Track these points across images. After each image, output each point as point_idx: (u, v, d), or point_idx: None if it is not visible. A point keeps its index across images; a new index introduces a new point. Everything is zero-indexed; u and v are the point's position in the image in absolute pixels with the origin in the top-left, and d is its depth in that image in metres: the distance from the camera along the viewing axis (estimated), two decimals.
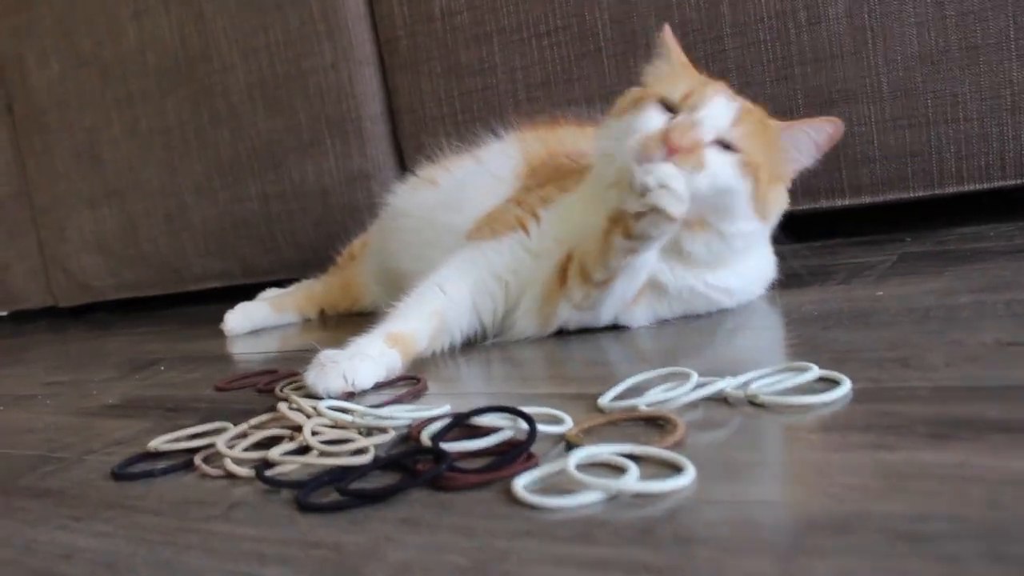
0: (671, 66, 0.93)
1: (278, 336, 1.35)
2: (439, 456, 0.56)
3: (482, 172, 1.10)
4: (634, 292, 0.89)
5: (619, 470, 0.51)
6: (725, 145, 0.84)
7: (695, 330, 0.87)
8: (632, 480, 0.49)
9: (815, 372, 0.62)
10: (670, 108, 0.86)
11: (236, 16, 1.70)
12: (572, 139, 1.08)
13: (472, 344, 0.95)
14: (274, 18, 1.65)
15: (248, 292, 1.60)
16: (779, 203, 0.89)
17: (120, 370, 1.23)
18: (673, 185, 0.78)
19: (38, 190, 2.18)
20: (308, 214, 1.70)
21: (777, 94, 1.24)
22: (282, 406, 0.72)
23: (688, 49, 1.27)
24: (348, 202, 1.64)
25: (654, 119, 0.85)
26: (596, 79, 1.36)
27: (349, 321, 1.36)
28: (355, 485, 0.56)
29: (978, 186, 1.17)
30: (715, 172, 0.82)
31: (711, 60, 1.26)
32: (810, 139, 0.87)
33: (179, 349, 1.36)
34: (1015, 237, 1.05)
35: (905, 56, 1.16)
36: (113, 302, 2.18)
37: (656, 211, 0.78)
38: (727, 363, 0.72)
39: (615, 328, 0.92)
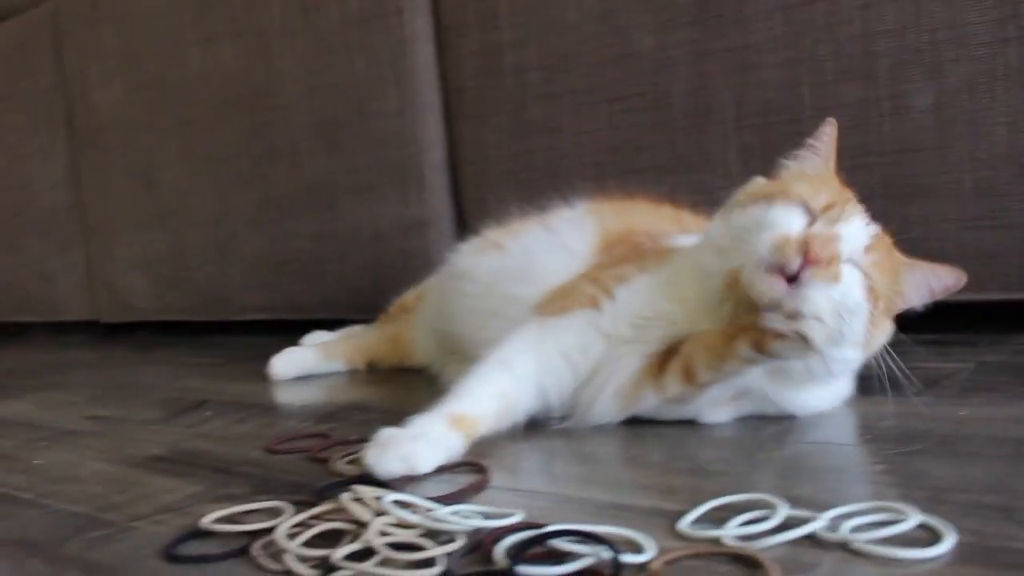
0: (818, 169, 0.90)
1: (325, 385, 1.33)
2: None
3: (553, 242, 1.06)
4: (726, 395, 0.87)
5: None
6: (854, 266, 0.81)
7: (774, 439, 0.83)
8: None
9: (915, 519, 0.59)
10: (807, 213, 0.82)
11: (302, 54, 1.70)
12: (648, 217, 1.05)
13: (535, 426, 0.91)
14: (341, 59, 1.64)
15: (292, 327, 1.58)
16: (883, 336, 0.86)
17: (164, 410, 1.22)
18: (826, 319, 0.75)
19: (91, 205, 2.19)
20: (359, 257, 1.68)
21: (853, 181, 1.21)
22: (345, 498, 0.70)
23: (765, 129, 1.25)
24: (402, 249, 1.62)
25: (795, 220, 0.81)
26: (665, 150, 1.34)
27: (397, 375, 1.34)
28: None
29: None
30: (848, 290, 0.79)
31: (786, 141, 1.23)
32: (928, 284, 0.85)
33: (225, 391, 1.34)
34: None
35: (991, 155, 1.13)
36: (155, 323, 2.17)
37: (802, 339, 0.76)
38: (812, 487, 0.69)
39: (689, 423, 0.89)
